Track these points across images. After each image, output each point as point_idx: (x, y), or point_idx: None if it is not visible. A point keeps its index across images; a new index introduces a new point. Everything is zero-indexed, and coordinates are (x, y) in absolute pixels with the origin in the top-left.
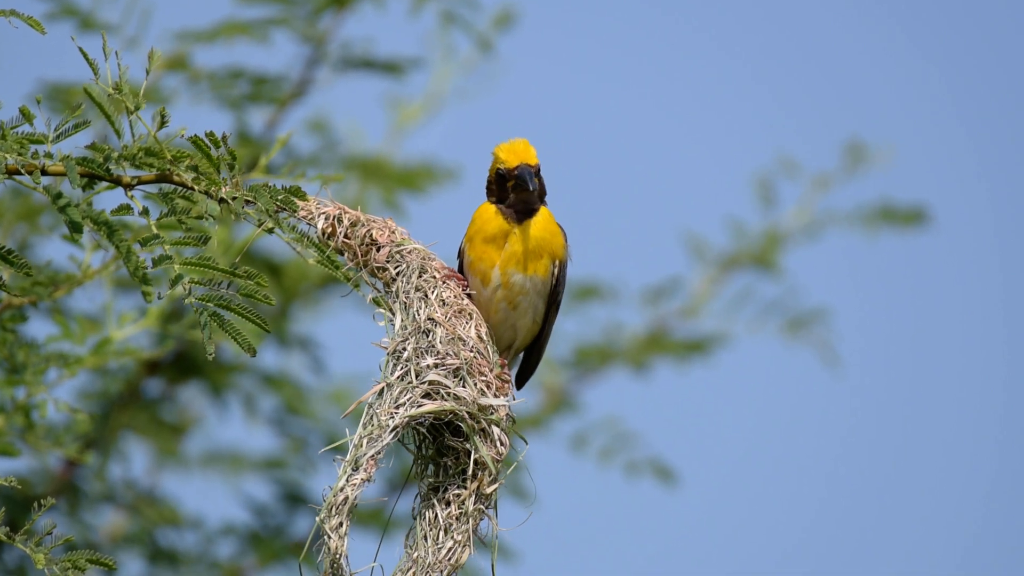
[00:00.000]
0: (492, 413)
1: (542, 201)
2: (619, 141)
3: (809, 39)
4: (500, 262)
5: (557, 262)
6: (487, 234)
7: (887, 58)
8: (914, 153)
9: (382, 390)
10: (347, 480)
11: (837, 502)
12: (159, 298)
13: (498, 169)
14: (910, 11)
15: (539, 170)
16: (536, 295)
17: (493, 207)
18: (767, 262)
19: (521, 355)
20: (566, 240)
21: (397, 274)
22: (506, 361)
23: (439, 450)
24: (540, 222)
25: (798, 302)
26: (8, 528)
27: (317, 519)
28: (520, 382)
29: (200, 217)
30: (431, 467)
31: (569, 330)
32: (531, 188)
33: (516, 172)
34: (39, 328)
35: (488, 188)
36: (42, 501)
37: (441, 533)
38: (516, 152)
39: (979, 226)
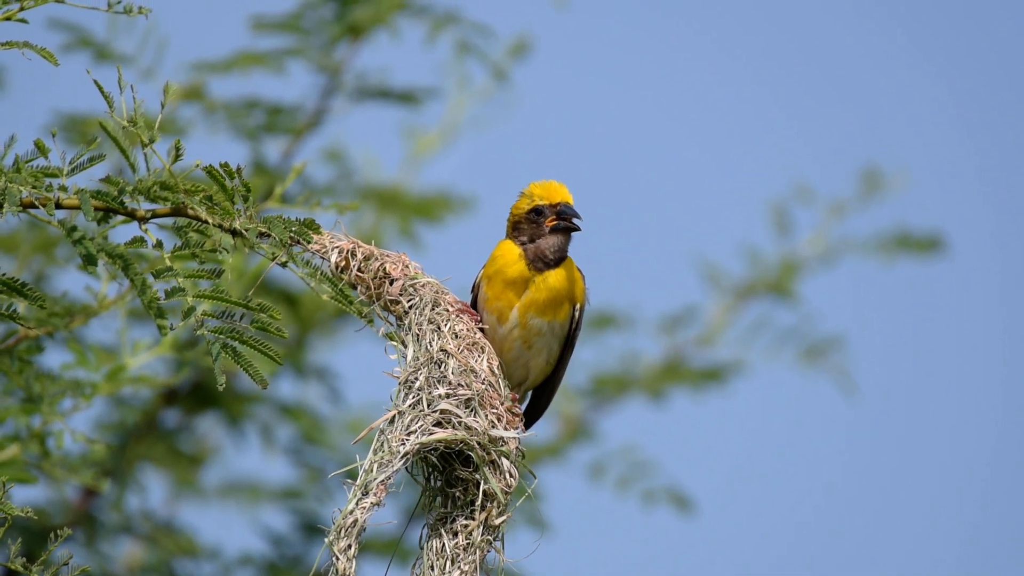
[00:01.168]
0: (502, 445)
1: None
2: (634, 169)
3: (825, 66)
4: (520, 305)
5: (578, 305)
6: (507, 277)
7: (903, 85)
8: (930, 180)
9: (394, 417)
10: (357, 503)
11: (855, 528)
12: (172, 330)
13: (536, 206)
14: (926, 38)
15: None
16: (552, 337)
17: (518, 250)
18: (783, 290)
19: (530, 393)
20: (585, 283)
21: (410, 307)
22: (517, 395)
23: (448, 481)
24: (563, 271)
25: (814, 330)
26: (25, 559)
27: (326, 540)
28: (530, 421)
29: (214, 250)
30: (439, 498)
31: (586, 359)
32: (579, 224)
33: (559, 208)
34: (55, 358)
35: (515, 226)
36: (59, 531)
37: (448, 563)
38: (555, 189)
39: (995, 253)
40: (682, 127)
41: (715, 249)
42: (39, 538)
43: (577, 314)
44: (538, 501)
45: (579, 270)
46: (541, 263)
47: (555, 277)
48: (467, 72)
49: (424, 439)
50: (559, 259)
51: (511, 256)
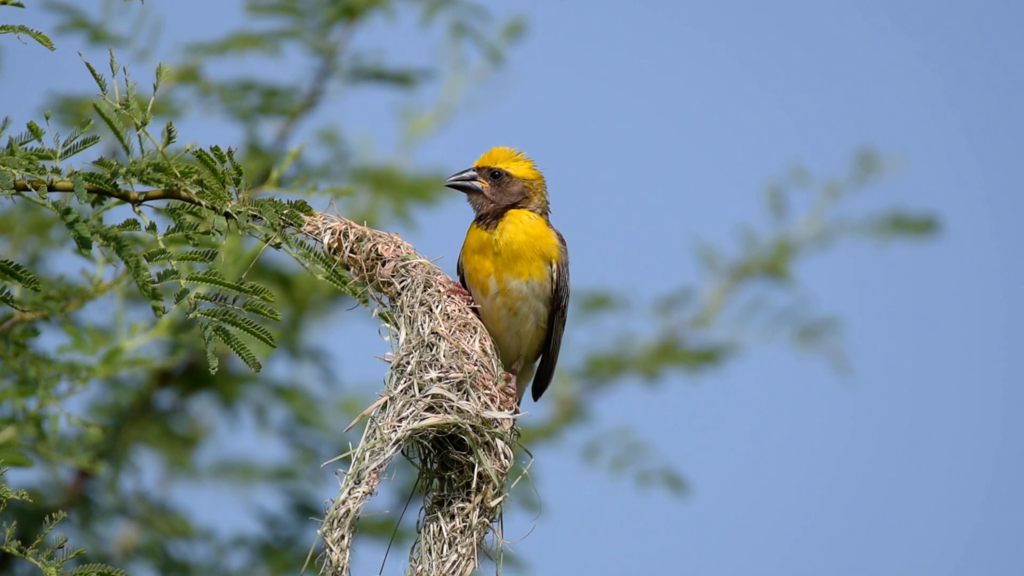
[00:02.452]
0: (496, 426)
1: (505, 204)
2: (630, 150)
3: (820, 48)
4: (494, 270)
5: (554, 263)
6: (473, 246)
7: (898, 67)
8: (925, 162)
9: (385, 403)
10: (349, 493)
11: (849, 511)
12: (166, 312)
13: None
14: (921, 21)
15: (498, 172)
16: (535, 299)
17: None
18: (778, 271)
19: (536, 367)
20: (561, 243)
21: (402, 288)
22: (511, 375)
23: (443, 464)
24: (516, 225)
25: (809, 311)
26: (20, 541)
27: (319, 532)
28: (536, 394)
29: (207, 232)
30: (436, 481)
31: (581, 340)
32: (453, 180)
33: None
34: (51, 340)
35: None
36: (53, 514)
37: (445, 547)
38: (484, 156)
39: (990, 235)
40: (677, 108)
41: (710, 230)
42: (34, 520)
43: (555, 273)
44: (533, 482)
45: (553, 229)
46: (488, 219)
47: (508, 231)
48: (462, 54)
49: (415, 425)
50: (491, 211)
51: (471, 227)
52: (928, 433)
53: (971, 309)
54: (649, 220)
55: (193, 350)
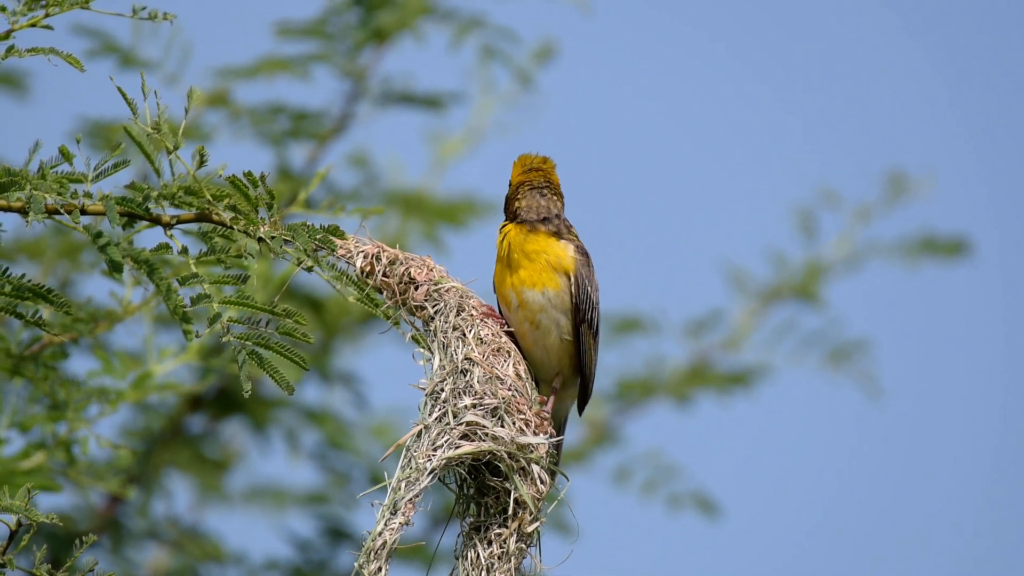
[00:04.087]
0: (531, 451)
1: (544, 224)
2: (660, 172)
3: (849, 70)
4: (513, 285)
5: (571, 276)
6: (498, 255)
7: (928, 88)
8: (956, 183)
9: (420, 432)
10: (385, 524)
11: (880, 533)
12: (197, 336)
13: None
14: (951, 43)
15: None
16: (554, 310)
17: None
18: (809, 294)
19: (578, 384)
20: (579, 255)
21: (435, 313)
22: (545, 399)
23: (480, 489)
24: (534, 236)
25: (840, 334)
26: (50, 565)
27: (356, 565)
28: (578, 408)
29: (239, 256)
30: (472, 507)
31: (611, 363)
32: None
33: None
34: (80, 364)
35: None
36: (84, 538)
37: (483, 573)
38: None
39: (1021, 256)
40: (708, 131)
41: (740, 253)
42: (64, 544)
43: (573, 286)
44: (568, 505)
45: (568, 241)
46: (529, 222)
47: (527, 243)
48: (492, 77)
49: (451, 454)
50: (527, 219)
51: (500, 234)
52: (959, 454)
53: (1002, 331)
54: (679, 242)
55: (223, 374)
